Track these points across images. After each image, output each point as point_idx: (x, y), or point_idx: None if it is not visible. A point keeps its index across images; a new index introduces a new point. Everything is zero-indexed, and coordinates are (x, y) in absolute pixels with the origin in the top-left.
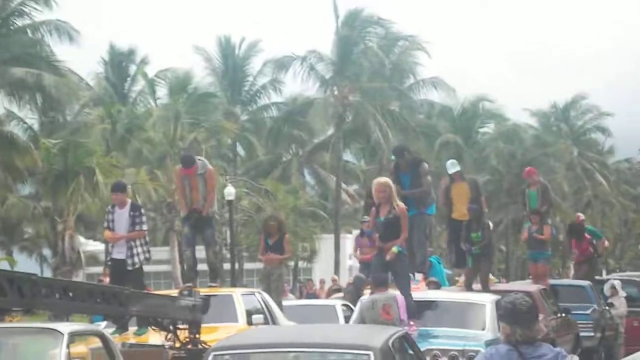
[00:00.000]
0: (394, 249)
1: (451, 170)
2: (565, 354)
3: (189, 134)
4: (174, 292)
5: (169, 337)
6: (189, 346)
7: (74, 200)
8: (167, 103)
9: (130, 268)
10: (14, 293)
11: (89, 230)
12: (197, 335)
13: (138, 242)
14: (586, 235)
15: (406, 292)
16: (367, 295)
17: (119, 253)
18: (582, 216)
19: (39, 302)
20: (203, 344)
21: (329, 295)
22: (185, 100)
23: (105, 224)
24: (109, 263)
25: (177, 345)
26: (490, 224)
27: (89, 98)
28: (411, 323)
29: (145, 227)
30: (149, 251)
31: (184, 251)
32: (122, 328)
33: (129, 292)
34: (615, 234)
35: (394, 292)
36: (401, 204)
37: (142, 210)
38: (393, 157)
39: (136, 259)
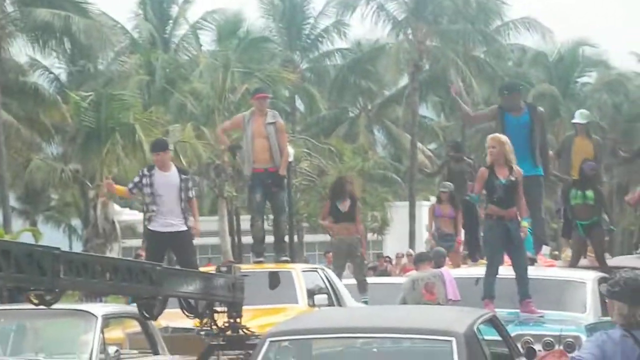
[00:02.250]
0: (524, 223)
1: (582, 120)
2: None
3: (241, 85)
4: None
5: (205, 321)
6: (228, 332)
7: (107, 162)
8: (214, 50)
9: (194, 240)
10: (34, 270)
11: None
12: (237, 320)
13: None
14: None
15: (524, 270)
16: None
17: (173, 225)
18: None
19: (62, 281)
20: (245, 330)
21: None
22: (235, 47)
23: (134, 188)
24: (152, 236)
25: (215, 330)
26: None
27: (124, 44)
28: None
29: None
30: None
31: (255, 222)
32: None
33: (162, 269)
34: None
35: (439, 269)
36: (517, 167)
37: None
38: (505, 92)
39: (192, 231)
